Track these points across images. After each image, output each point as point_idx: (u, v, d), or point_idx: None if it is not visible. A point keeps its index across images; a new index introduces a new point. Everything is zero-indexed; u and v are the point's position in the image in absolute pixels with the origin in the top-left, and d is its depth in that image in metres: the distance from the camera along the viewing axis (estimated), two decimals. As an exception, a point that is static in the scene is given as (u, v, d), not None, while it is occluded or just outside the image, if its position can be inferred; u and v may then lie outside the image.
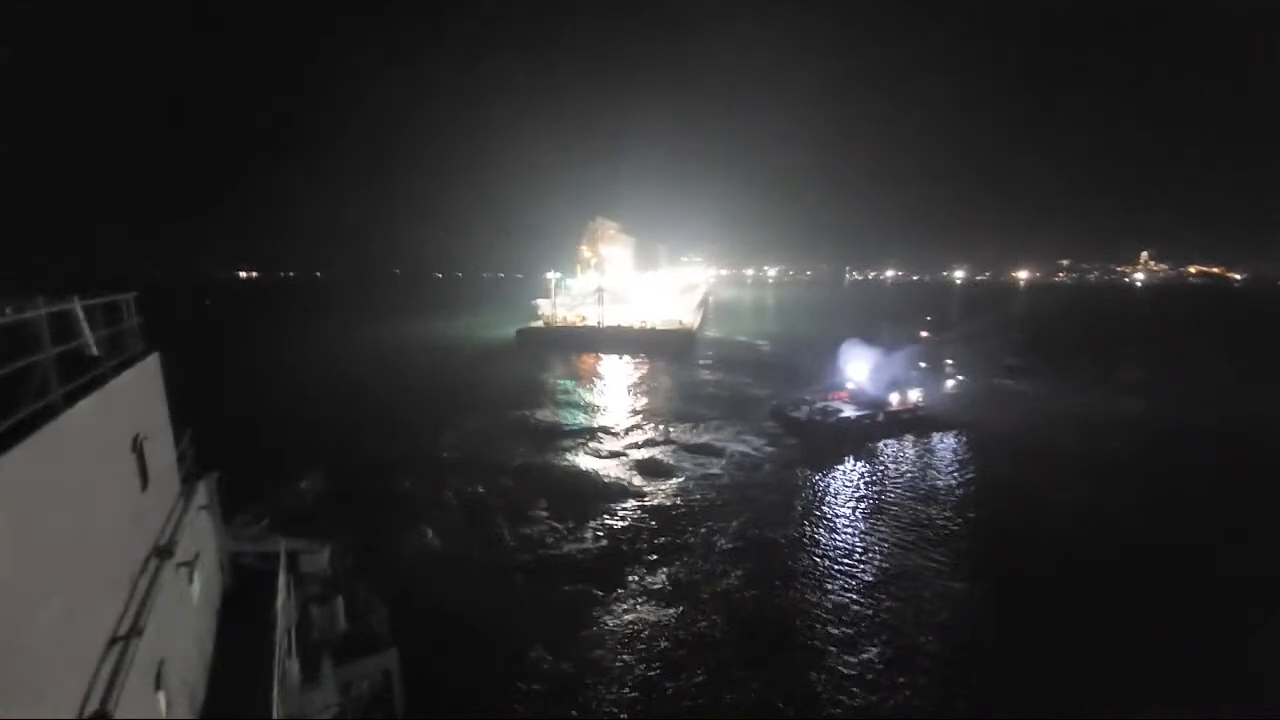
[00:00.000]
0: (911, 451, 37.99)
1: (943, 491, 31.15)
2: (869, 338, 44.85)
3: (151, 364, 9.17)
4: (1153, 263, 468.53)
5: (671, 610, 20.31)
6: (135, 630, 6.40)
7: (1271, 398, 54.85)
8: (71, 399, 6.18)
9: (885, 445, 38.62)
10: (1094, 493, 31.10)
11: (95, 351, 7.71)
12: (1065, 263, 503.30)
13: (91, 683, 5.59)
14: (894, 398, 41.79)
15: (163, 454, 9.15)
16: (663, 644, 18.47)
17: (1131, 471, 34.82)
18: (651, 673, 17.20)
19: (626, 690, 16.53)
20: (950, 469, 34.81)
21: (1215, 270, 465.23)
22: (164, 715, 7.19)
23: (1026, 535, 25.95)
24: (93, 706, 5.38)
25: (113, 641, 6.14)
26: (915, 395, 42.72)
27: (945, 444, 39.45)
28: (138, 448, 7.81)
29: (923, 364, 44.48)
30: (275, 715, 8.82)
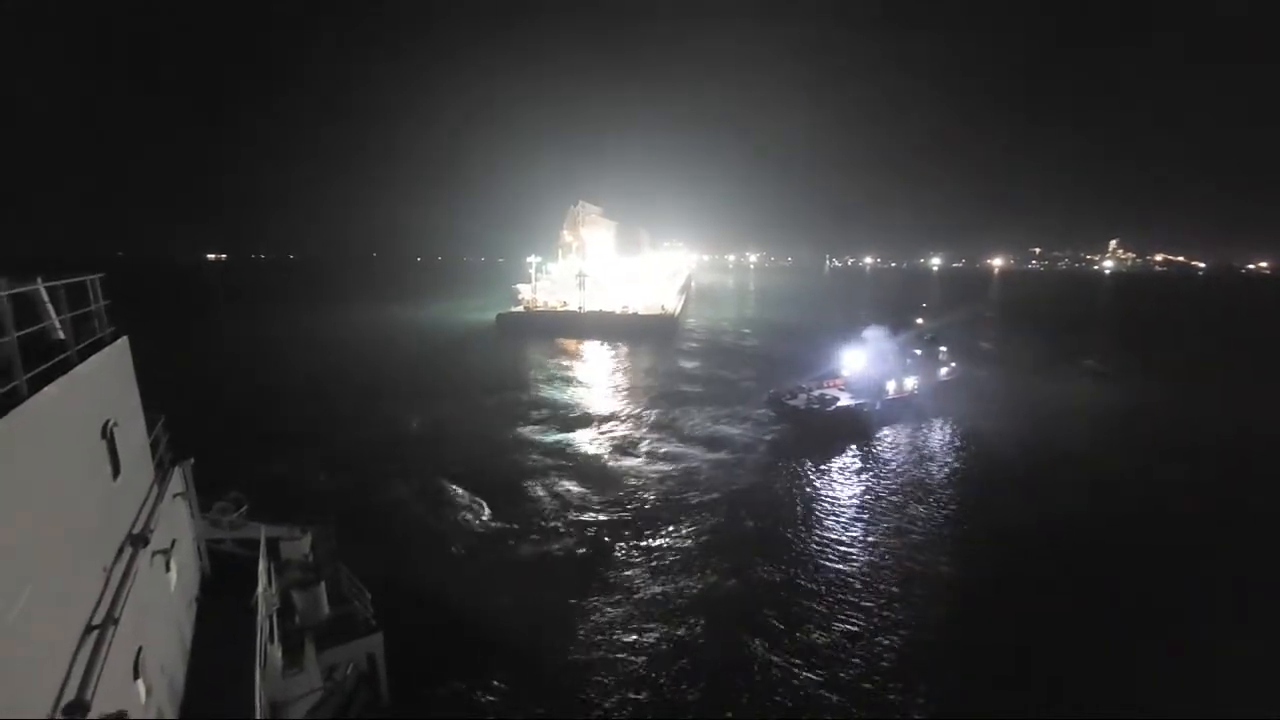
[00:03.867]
0: (907, 440, 38.18)
1: (938, 481, 31.50)
2: (864, 325, 45.17)
3: (121, 348, 8.90)
4: (1121, 251, 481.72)
5: (658, 600, 20.37)
6: (111, 619, 6.31)
7: (1223, 378, 57.49)
8: (37, 384, 5.99)
9: (882, 434, 38.76)
10: (1082, 479, 31.79)
11: (61, 335, 7.45)
12: (1037, 250, 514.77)
13: (68, 672, 5.52)
14: (890, 385, 41.83)
15: (134, 440, 8.92)
16: (646, 633, 18.56)
17: (1105, 452, 36.14)
18: (634, 663, 17.35)
19: (606, 679, 16.69)
20: (945, 458, 35.15)
21: (1179, 259, 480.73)
22: (143, 703, 7.13)
23: (1020, 526, 26.12)
24: (70, 696, 5.31)
25: (88, 630, 6.05)
26: (911, 383, 42.88)
27: (940, 432, 39.93)
28: (108, 434, 7.61)
29: (918, 351, 44.74)
30: (257, 700, 8.80)
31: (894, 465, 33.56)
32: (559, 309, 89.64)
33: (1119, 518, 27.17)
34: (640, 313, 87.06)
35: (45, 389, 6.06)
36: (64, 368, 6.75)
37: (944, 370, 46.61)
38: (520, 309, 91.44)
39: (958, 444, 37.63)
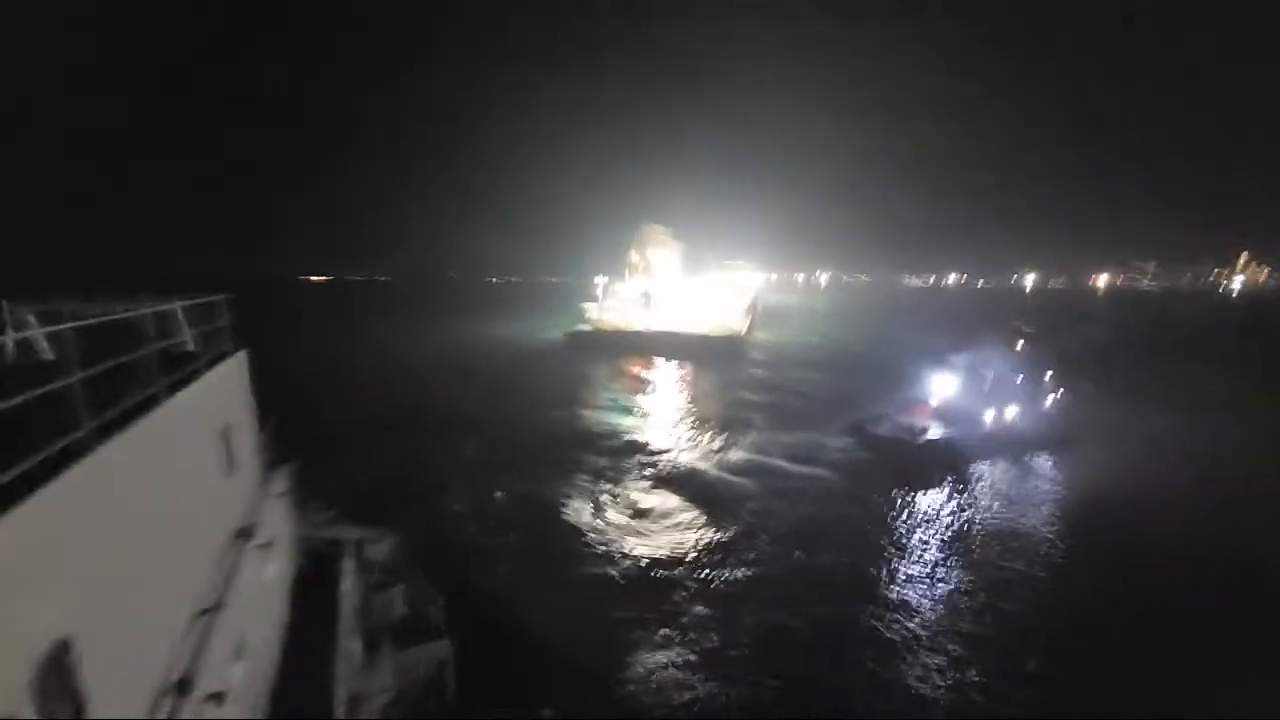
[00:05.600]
0: (1005, 476, 34.29)
1: (1037, 526, 28.20)
2: (953, 349, 41.59)
3: (240, 360, 9.98)
4: (1255, 265, 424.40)
5: (726, 635, 19.56)
6: (219, 605, 6.93)
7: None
8: (171, 390, 6.81)
9: (977, 469, 35.03)
10: (1208, 526, 27.62)
11: (192, 348, 8.45)
12: (1151, 266, 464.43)
13: (178, 651, 6.10)
14: (987, 415, 37.52)
15: (247, 443, 9.89)
16: (709, 670, 17.90)
17: (1231, 494, 31.37)
18: (694, 700, 16.82)
19: (672, 707, 16.34)
20: (1047, 499, 31.47)
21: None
22: (240, 684, 7.73)
23: (1130, 585, 22.82)
24: (178, 673, 5.86)
25: (199, 614, 6.67)
26: (1011, 413, 38.26)
27: (1043, 468, 35.82)
28: (226, 436, 8.49)
29: (1020, 376, 39.80)
30: (337, 694, 9.34)
31: (989, 505, 30.45)
32: (626, 328, 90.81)
33: (1251, 582, 23.52)
34: (706, 333, 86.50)
35: (178, 394, 6.88)
36: (194, 376, 7.66)
37: (1049, 399, 41.62)
38: (588, 328, 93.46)
39: (1062, 483, 33.71)
